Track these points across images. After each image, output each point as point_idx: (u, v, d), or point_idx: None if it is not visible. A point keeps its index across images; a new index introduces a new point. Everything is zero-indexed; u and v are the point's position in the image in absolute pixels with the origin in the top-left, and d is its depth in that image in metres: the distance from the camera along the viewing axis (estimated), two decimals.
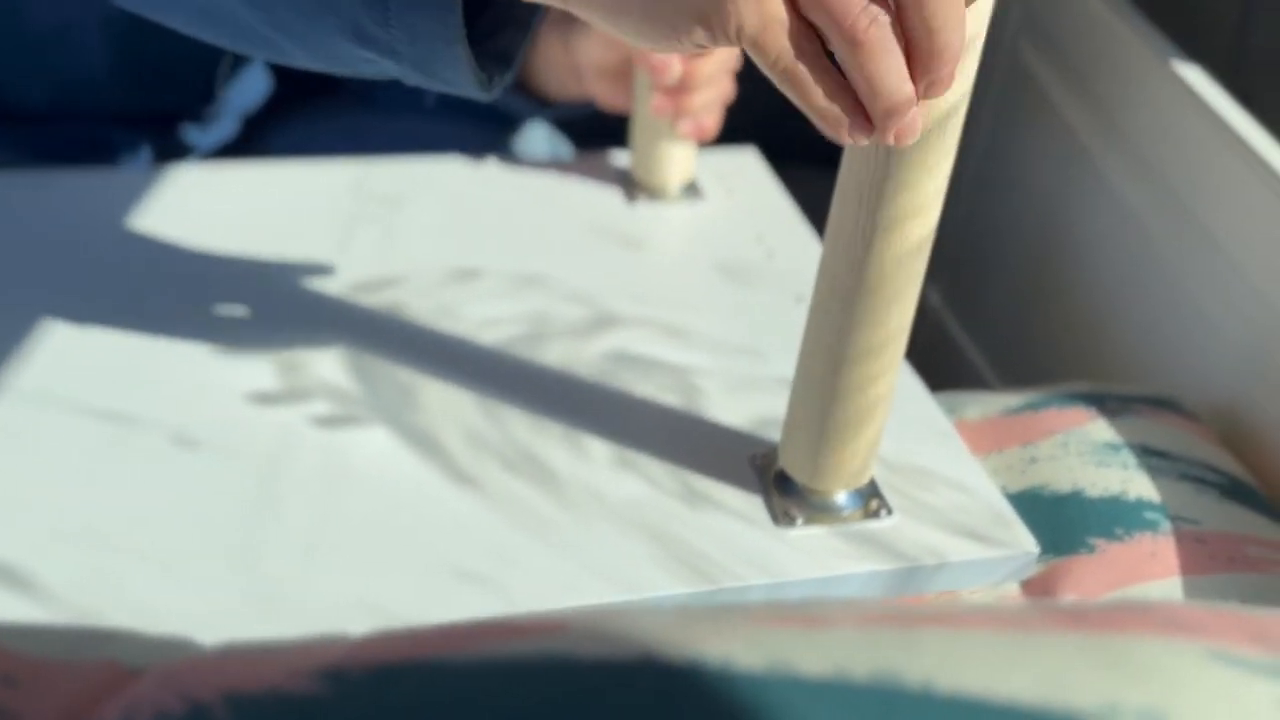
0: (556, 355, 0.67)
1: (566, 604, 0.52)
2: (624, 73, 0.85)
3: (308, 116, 0.98)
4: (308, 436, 0.60)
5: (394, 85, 0.53)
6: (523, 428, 0.62)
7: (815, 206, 0.51)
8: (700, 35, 0.43)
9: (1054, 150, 0.97)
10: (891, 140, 0.43)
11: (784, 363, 0.65)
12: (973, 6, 0.43)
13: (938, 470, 0.61)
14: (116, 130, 0.89)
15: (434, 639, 0.35)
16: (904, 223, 0.48)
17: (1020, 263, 1.04)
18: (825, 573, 0.55)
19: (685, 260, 0.78)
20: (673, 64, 0.76)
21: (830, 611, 0.35)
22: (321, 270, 0.73)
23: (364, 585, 0.52)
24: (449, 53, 0.47)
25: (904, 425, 0.63)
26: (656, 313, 0.72)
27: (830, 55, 0.43)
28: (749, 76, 0.59)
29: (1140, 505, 0.61)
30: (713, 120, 0.81)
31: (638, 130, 0.83)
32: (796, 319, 0.55)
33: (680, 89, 0.78)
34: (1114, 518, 0.60)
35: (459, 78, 0.49)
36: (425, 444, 0.60)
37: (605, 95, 0.87)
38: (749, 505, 0.58)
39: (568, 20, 0.47)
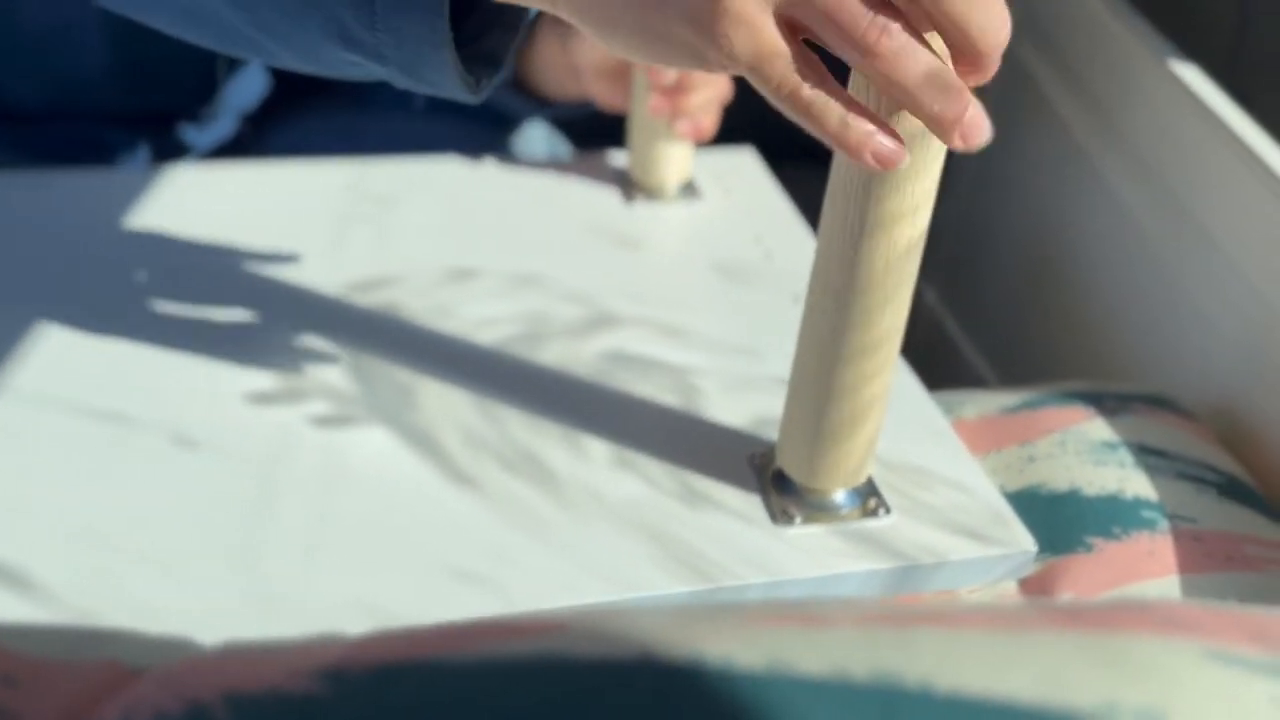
0: (554, 355, 0.67)
1: (565, 604, 0.52)
2: (622, 73, 0.85)
3: (306, 116, 0.98)
4: (306, 436, 0.60)
5: (391, 86, 0.53)
6: (521, 427, 0.62)
7: (813, 206, 0.52)
8: (694, 65, 0.42)
9: (1052, 150, 0.97)
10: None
11: (781, 362, 0.65)
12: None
13: (935, 469, 0.61)
14: (114, 130, 0.89)
15: (433, 639, 0.35)
16: (895, 223, 0.48)
17: (1018, 262, 1.04)
18: (824, 572, 0.55)
19: (683, 260, 0.78)
20: None
21: (829, 611, 0.36)
22: (319, 270, 0.73)
23: (362, 585, 0.52)
24: (435, 56, 0.47)
25: (902, 424, 0.63)
26: (654, 313, 0.72)
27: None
28: None
29: (1138, 504, 0.61)
30: (710, 120, 0.81)
31: (635, 130, 0.83)
32: (794, 319, 0.55)
33: (678, 89, 0.78)
34: (1111, 516, 0.60)
35: (445, 81, 0.48)
36: (423, 444, 0.60)
37: (603, 95, 0.87)
38: (747, 504, 0.58)
39: (565, 20, 0.47)
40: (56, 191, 0.78)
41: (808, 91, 0.41)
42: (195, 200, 0.79)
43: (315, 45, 0.49)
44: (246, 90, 0.95)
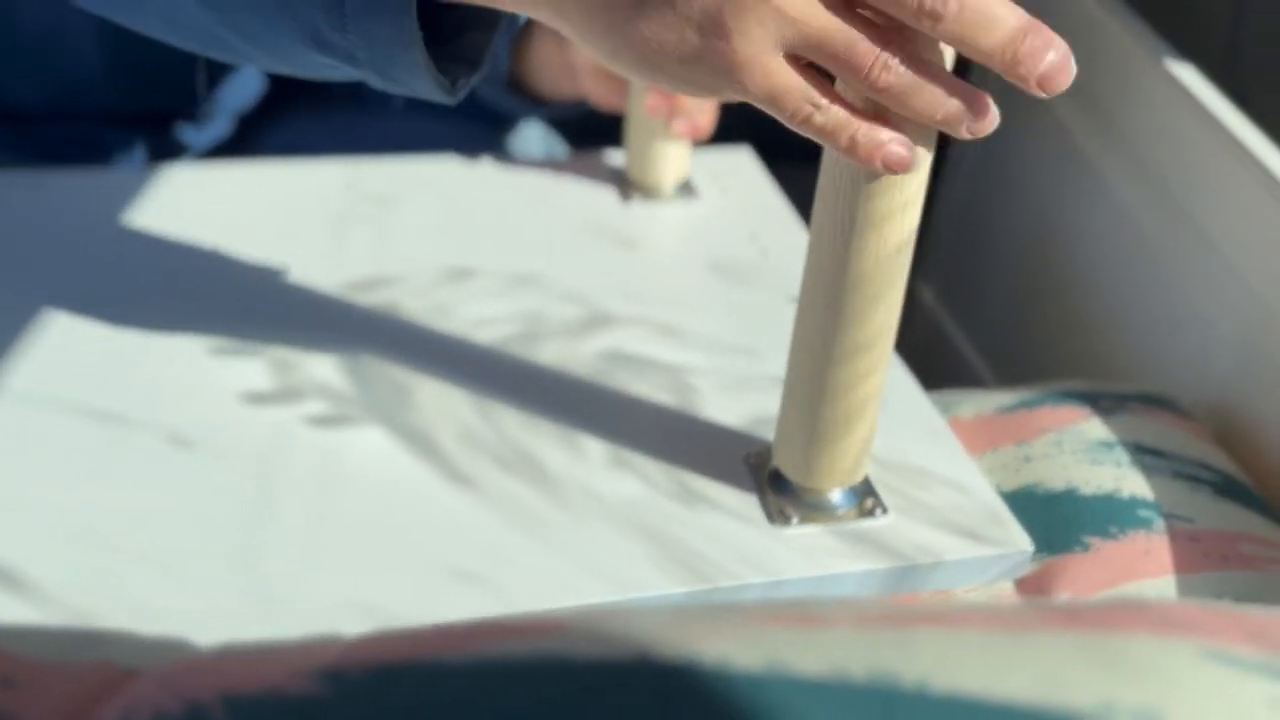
0: (551, 355, 0.67)
1: (562, 604, 0.52)
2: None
3: (302, 116, 0.98)
4: (303, 436, 0.60)
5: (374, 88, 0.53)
6: (518, 427, 0.62)
7: (809, 205, 0.52)
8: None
9: (1049, 149, 0.97)
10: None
11: (778, 362, 0.65)
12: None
13: (932, 469, 0.61)
14: (111, 130, 0.89)
15: (432, 639, 0.35)
16: (885, 221, 0.48)
17: (1015, 262, 1.04)
18: (821, 571, 0.55)
19: (680, 259, 0.78)
20: None
21: (827, 611, 0.36)
22: (316, 270, 0.73)
23: (359, 585, 0.52)
24: (405, 57, 0.47)
25: (898, 424, 0.63)
26: (651, 312, 0.72)
27: None
28: None
29: (1134, 503, 0.61)
30: (707, 119, 0.81)
31: (632, 129, 0.83)
32: (790, 318, 0.55)
33: None
34: (1108, 516, 0.60)
35: (418, 82, 0.48)
36: (420, 443, 0.60)
37: (599, 95, 0.87)
38: (744, 504, 0.58)
39: None
40: (53, 191, 0.78)
41: (819, 118, 0.44)
42: (192, 200, 0.79)
43: (289, 48, 0.49)
44: (243, 90, 0.94)
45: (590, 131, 0.97)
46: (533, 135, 1.02)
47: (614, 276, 0.75)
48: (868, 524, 0.57)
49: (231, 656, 0.36)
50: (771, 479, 0.58)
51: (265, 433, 0.60)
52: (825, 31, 0.42)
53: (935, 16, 0.41)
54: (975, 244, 1.11)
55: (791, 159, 0.94)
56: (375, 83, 0.50)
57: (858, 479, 0.58)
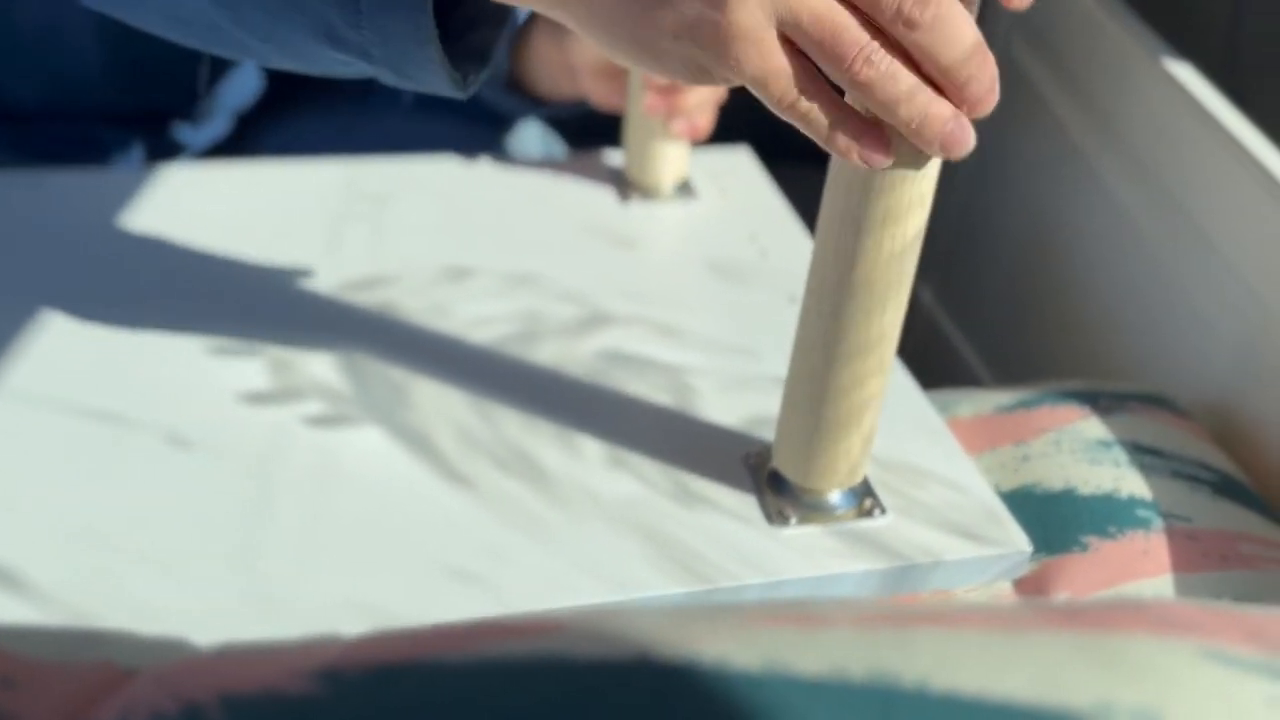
0: (549, 354, 0.67)
1: (560, 604, 0.52)
2: (617, 72, 0.85)
3: (300, 115, 0.98)
4: (300, 436, 0.60)
5: (385, 84, 0.53)
6: (515, 427, 0.62)
7: (808, 205, 0.52)
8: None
9: (1047, 149, 0.97)
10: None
11: (777, 362, 0.65)
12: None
13: (931, 469, 0.61)
14: (108, 129, 0.89)
15: (430, 639, 0.35)
16: (892, 222, 0.48)
17: (1013, 261, 1.04)
18: (819, 572, 0.55)
19: (678, 259, 0.78)
20: None
21: (825, 611, 0.36)
22: (313, 269, 0.73)
23: (358, 585, 0.52)
24: (421, 53, 0.47)
25: (897, 423, 0.63)
26: (649, 312, 0.72)
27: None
28: None
29: (1133, 503, 0.61)
30: (706, 119, 0.81)
31: (631, 129, 0.83)
32: (789, 318, 0.55)
33: (673, 88, 0.78)
34: (1106, 515, 0.60)
35: (432, 78, 0.49)
36: (418, 443, 0.60)
37: (598, 94, 0.87)
38: (743, 504, 0.58)
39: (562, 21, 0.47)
40: (50, 191, 0.78)
41: (804, 103, 0.44)
42: (190, 200, 0.79)
43: (301, 44, 0.49)
44: (241, 89, 0.94)
45: (589, 131, 0.97)
46: (531, 135, 1.02)
47: (612, 276, 0.75)
48: (866, 524, 0.57)
49: (229, 656, 0.36)
50: (770, 479, 0.58)
51: (263, 432, 0.60)
52: (819, 12, 0.42)
53: (910, 23, 0.41)
54: (974, 243, 1.11)
55: (791, 159, 0.94)
56: (387, 79, 0.50)
57: (857, 480, 0.58)
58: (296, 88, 0.98)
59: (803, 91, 0.43)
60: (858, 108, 0.45)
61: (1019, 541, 0.57)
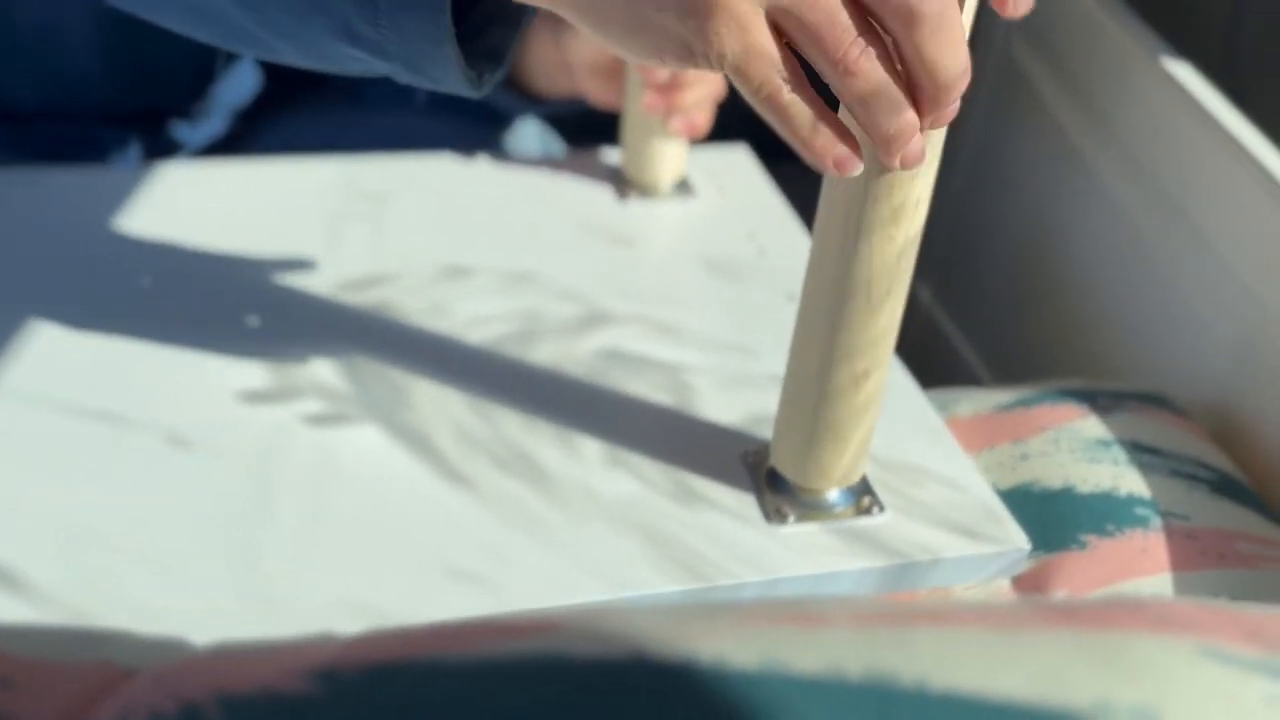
0: (548, 353, 0.67)
1: (559, 603, 0.52)
2: (615, 70, 0.85)
3: (298, 113, 0.98)
4: (299, 435, 0.60)
5: (384, 82, 0.53)
6: (514, 426, 0.62)
7: (807, 204, 0.52)
8: (682, 60, 0.43)
9: (1046, 149, 0.97)
10: (897, 165, 0.43)
11: (775, 360, 0.65)
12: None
13: (930, 467, 0.61)
14: (106, 128, 0.89)
15: (427, 638, 0.35)
16: (890, 223, 0.48)
17: (1012, 260, 1.04)
18: (818, 570, 0.55)
19: (677, 258, 0.78)
20: None
21: (824, 609, 0.35)
22: (312, 268, 0.73)
23: (355, 584, 0.52)
24: (438, 52, 0.47)
25: (896, 422, 0.63)
26: (648, 310, 0.72)
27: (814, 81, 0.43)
28: None
29: (1131, 501, 0.61)
30: (704, 117, 0.81)
31: (629, 127, 0.83)
32: (788, 316, 0.55)
33: (672, 86, 0.78)
34: (1105, 514, 0.60)
35: (449, 76, 0.49)
36: (416, 442, 0.60)
37: (597, 92, 0.87)
38: (741, 503, 0.58)
39: (559, 18, 0.47)
40: (48, 189, 0.78)
41: (785, 96, 0.42)
42: (187, 198, 0.79)
43: (320, 42, 0.49)
44: (239, 88, 0.94)
45: (587, 129, 0.97)
46: (529, 133, 1.02)
47: (611, 275, 0.75)
48: (865, 522, 0.57)
49: (226, 656, 0.36)
50: (769, 478, 0.58)
51: (262, 432, 0.60)
52: None
53: (911, 18, 0.40)
54: (972, 243, 1.11)
55: (789, 158, 0.94)
56: (402, 76, 0.50)
57: (855, 478, 0.58)
58: (294, 86, 0.98)
59: (784, 84, 0.42)
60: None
61: (1017, 540, 0.57)
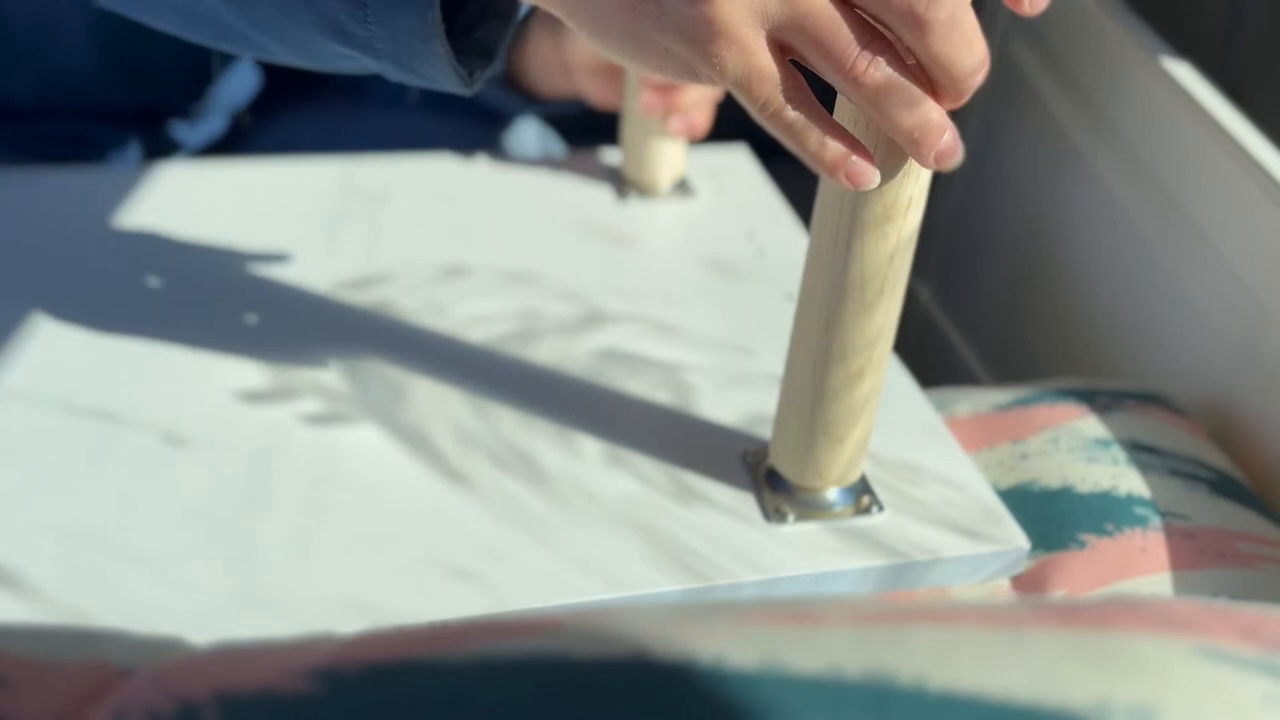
0: (546, 352, 0.67)
1: (557, 602, 0.52)
2: (615, 70, 0.85)
3: (297, 113, 0.98)
4: (297, 434, 0.60)
5: (383, 81, 0.53)
6: (513, 425, 0.62)
7: (805, 203, 0.52)
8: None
9: (1044, 146, 0.97)
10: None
11: (774, 359, 0.65)
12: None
13: (928, 466, 0.61)
14: (104, 127, 0.89)
15: (426, 638, 0.35)
16: (887, 221, 0.48)
17: (1010, 259, 1.04)
18: (817, 569, 0.55)
19: (676, 257, 0.78)
20: None
21: (823, 609, 0.35)
22: (310, 268, 0.73)
23: (354, 583, 0.52)
24: (427, 49, 0.47)
25: (895, 422, 0.63)
26: (647, 310, 0.72)
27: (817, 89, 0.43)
28: None
29: (1130, 501, 0.61)
30: (703, 117, 0.81)
31: (628, 127, 0.83)
32: (787, 316, 0.55)
33: (671, 86, 0.78)
34: (1104, 513, 0.60)
35: (438, 74, 0.49)
36: (415, 441, 0.60)
37: (595, 92, 0.87)
38: (740, 502, 0.58)
39: (558, 18, 0.47)
40: (46, 189, 0.78)
41: (790, 113, 0.42)
42: (186, 198, 0.78)
43: (309, 40, 0.49)
44: (237, 87, 0.94)
45: (586, 129, 0.97)
46: (528, 133, 1.02)
47: (610, 274, 0.75)
48: (864, 521, 0.57)
49: (224, 655, 0.36)
50: (768, 477, 0.58)
51: (259, 431, 0.60)
52: (814, 11, 0.40)
53: (921, 25, 0.40)
54: (970, 242, 1.11)
55: (788, 157, 0.94)
56: (392, 74, 0.50)
57: (854, 477, 0.58)
58: (293, 86, 0.98)
59: (789, 101, 0.42)
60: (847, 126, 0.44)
61: (1017, 539, 0.57)
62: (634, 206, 0.83)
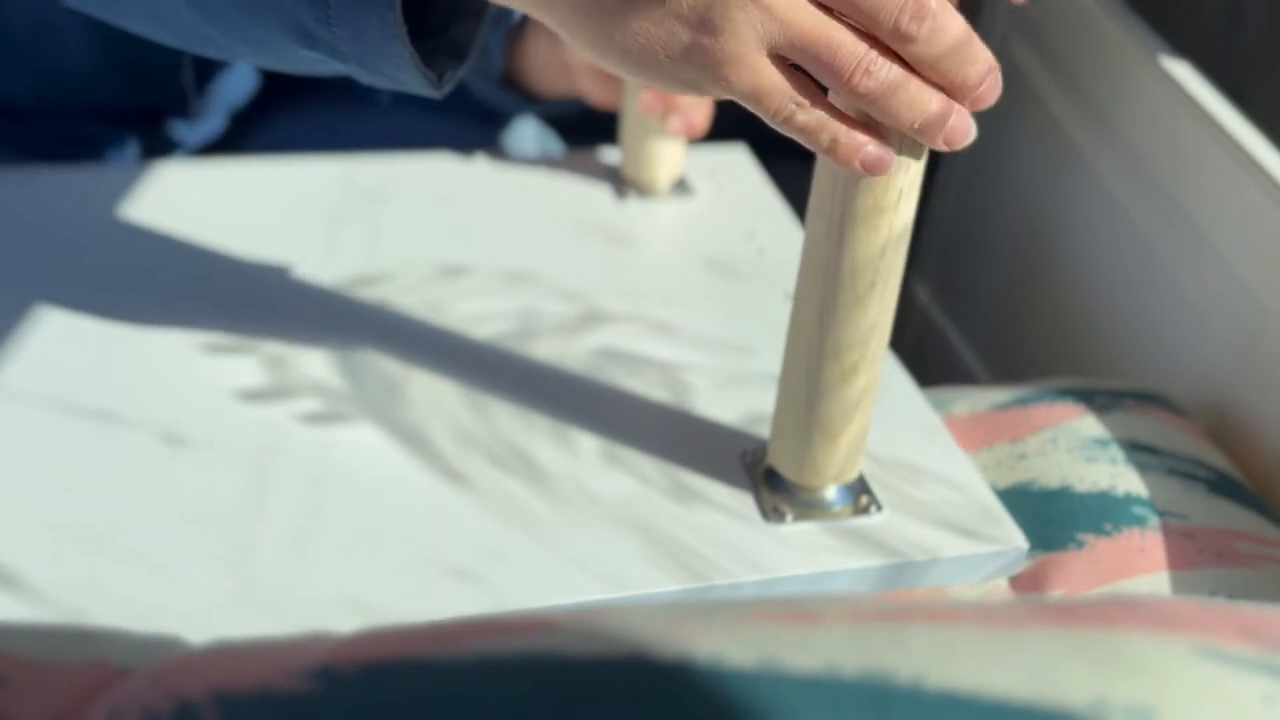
0: (545, 352, 0.67)
1: (556, 601, 0.52)
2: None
3: (295, 112, 0.98)
4: (296, 434, 0.60)
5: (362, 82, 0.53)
6: (512, 424, 0.61)
7: (804, 203, 0.52)
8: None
9: (1043, 146, 0.97)
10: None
11: (773, 359, 0.65)
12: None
13: (927, 466, 0.61)
14: (103, 126, 0.89)
15: (424, 637, 0.35)
16: (878, 215, 0.48)
17: (1009, 258, 1.04)
18: (815, 569, 0.55)
19: (675, 256, 0.78)
20: None
21: (821, 608, 0.35)
22: (310, 267, 0.73)
23: (352, 582, 0.52)
24: (389, 50, 0.47)
25: (893, 421, 0.63)
26: (646, 309, 0.72)
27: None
28: None
29: (1129, 500, 0.61)
30: (702, 117, 0.81)
31: (627, 127, 0.83)
32: (786, 315, 0.55)
33: None
34: (1103, 513, 0.60)
35: (404, 75, 0.49)
36: (414, 441, 0.60)
37: (595, 92, 0.87)
38: (739, 501, 0.58)
39: None
40: (45, 188, 0.78)
41: (802, 117, 0.44)
42: (185, 197, 0.78)
43: (275, 44, 0.49)
44: (236, 87, 0.94)
45: (585, 129, 0.97)
46: (527, 132, 1.02)
47: (608, 274, 0.75)
48: (862, 521, 0.57)
49: (222, 654, 0.36)
50: (766, 476, 0.58)
51: (258, 430, 0.60)
52: (810, 33, 0.42)
53: (907, 39, 0.42)
54: (969, 241, 1.11)
55: (787, 156, 0.94)
56: (361, 77, 0.50)
57: (852, 476, 0.58)
58: (292, 85, 0.98)
59: (799, 105, 0.44)
60: (852, 113, 0.45)
61: (1015, 539, 0.57)
62: (633, 206, 0.83)
